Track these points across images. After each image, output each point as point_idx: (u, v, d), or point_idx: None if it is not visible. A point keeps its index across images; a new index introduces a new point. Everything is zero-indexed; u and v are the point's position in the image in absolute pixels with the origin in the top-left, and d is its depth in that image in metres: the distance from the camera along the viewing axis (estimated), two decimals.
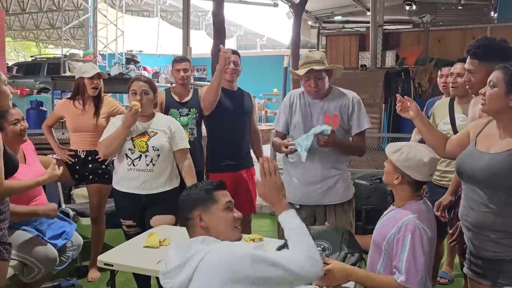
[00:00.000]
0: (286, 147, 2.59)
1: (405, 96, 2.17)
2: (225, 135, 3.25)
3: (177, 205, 2.82)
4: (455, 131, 2.80)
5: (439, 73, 3.43)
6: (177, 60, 3.51)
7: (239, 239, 1.66)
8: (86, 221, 3.77)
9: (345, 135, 2.73)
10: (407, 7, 11.17)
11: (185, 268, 1.48)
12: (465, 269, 1.93)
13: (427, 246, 1.79)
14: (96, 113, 3.25)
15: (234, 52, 3.28)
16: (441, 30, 9.49)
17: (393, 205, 2.02)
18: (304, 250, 1.50)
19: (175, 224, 2.82)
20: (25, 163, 2.69)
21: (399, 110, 2.15)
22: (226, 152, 3.23)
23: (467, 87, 2.16)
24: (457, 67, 2.90)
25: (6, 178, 2.10)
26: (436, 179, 2.97)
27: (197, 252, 1.49)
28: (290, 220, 1.59)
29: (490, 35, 8.75)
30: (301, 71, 2.56)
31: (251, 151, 3.48)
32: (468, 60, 2.08)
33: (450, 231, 2.22)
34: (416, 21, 12.08)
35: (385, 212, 2.05)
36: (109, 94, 3.73)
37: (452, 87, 2.92)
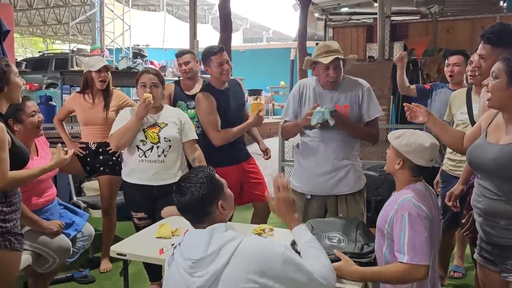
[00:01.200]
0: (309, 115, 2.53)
1: (412, 103, 2.17)
2: None
3: None
4: (471, 120, 2.79)
5: (446, 62, 3.43)
6: (177, 54, 3.53)
7: None
8: (97, 213, 3.80)
9: None
10: None
11: (220, 255, 1.50)
12: (475, 255, 1.95)
13: (426, 222, 1.79)
14: (106, 106, 3.28)
15: (222, 49, 3.08)
16: (449, 21, 9.41)
17: (394, 191, 2.04)
18: (327, 262, 1.66)
19: None
20: (38, 156, 2.72)
21: (409, 117, 2.15)
22: (229, 148, 3.11)
23: (476, 73, 2.15)
24: (476, 56, 2.89)
25: (16, 169, 2.12)
26: (451, 169, 2.97)
27: (230, 239, 1.53)
28: (304, 233, 1.75)
29: None
30: (326, 60, 2.53)
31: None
32: (481, 45, 2.08)
33: (463, 221, 2.22)
34: (424, 11, 11.94)
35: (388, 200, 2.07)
36: (118, 88, 3.75)
37: (470, 76, 2.87)
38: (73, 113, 3.54)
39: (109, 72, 3.36)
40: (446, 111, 3.16)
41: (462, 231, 2.24)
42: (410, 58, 8.74)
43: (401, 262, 1.78)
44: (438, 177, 3.20)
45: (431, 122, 2.11)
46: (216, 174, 1.67)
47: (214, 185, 1.63)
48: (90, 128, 3.35)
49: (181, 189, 1.62)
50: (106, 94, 3.32)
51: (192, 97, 3.38)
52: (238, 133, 3.08)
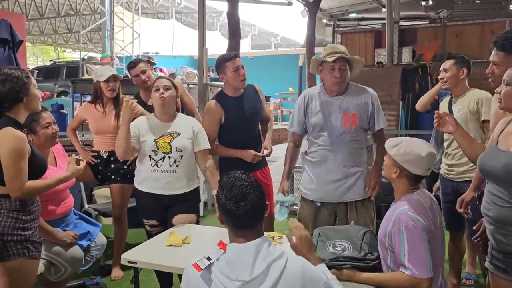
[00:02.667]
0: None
1: (443, 112, 2.18)
2: (237, 142, 3.11)
3: (198, 203, 2.91)
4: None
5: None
6: (130, 65, 3.55)
7: None
8: (108, 220, 3.83)
9: (363, 133, 2.73)
10: (423, 3, 11.00)
11: (269, 276, 1.45)
12: (486, 263, 1.93)
13: (424, 234, 1.81)
14: (117, 115, 3.32)
15: (235, 55, 3.07)
16: (458, 25, 9.33)
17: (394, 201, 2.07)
18: None
19: (197, 223, 2.87)
20: (56, 166, 2.77)
21: (437, 125, 2.15)
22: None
23: (490, 79, 2.15)
24: (446, 64, 3.07)
25: (34, 179, 2.17)
26: (445, 172, 3.09)
27: (276, 258, 1.48)
28: (325, 271, 1.71)
29: (508, 29, 8.59)
30: (330, 58, 2.55)
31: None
32: (494, 52, 2.08)
33: (474, 227, 2.21)
34: (432, 16, 11.90)
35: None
36: (128, 96, 3.79)
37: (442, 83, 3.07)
38: (85, 121, 3.59)
39: (118, 81, 3.39)
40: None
41: (473, 237, 2.22)
42: (419, 63, 8.70)
43: (404, 272, 1.81)
44: (438, 182, 3.26)
45: (458, 133, 2.11)
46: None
47: (261, 190, 1.55)
48: (102, 137, 3.39)
49: (242, 191, 1.48)
50: (117, 103, 3.36)
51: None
52: (228, 155, 3.07)
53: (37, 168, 2.19)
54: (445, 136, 3.08)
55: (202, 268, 1.50)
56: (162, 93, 2.77)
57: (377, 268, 1.99)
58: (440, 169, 3.19)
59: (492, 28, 8.72)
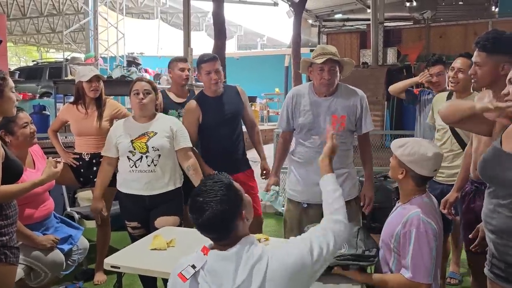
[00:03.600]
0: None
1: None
2: (217, 144, 3.09)
3: (181, 205, 2.87)
4: (451, 126, 2.79)
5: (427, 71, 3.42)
6: (181, 59, 3.48)
7: None
8: (91, 224, 3.76)
9: (350, 135, 2.72)
10: (408, 4, 11.14)
11: (254, 280, 1.41)
12: (486, 271, 1.83)
13: (433, 240, 1.79)
14: (99, 116, 3.25)
15: (214, 58, 3.05)
16: (442, 26, 9.45)
17: (398, 202, 2.04)
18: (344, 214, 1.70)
19: (180, 225, 2.83)
20: (34, 168, 2.70)
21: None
22: (221, 158, 3.08)
23: (472, 80, 2.14)
24: (458, 62, 2.87)
25: (10, 183, 2.10)
26: None
27: (257, 260, 1.43)
28: (332, 181, 1.82)
29: (491, 29, 8.70)
30: (319, 60, 2.52)
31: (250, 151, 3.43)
32: (476, 52, 2.06)
33: (470, 236, 2.13)
34: (417, 17, 12.03)
35: (392, 211, 2.06)
36: (111, 97, 3.73)
37: (452, 83, 2.89)
38: (67, 123, 3.51)
39: (101, 82, 3.33)
40: (429, 113, 3.18)
41: (471, 247, 2.13)
42: (404, 64, 8.78)
43: (403, 275, 1.79)
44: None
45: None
46: (232, 180, 1.51)
47: (235, 195, 1.47)
48: (83, 138, 3.32)
49: (199, 205, 1.43)
50: (99, 104, 3.29)
51: (182, 104, 3.32)
52: (201, 164, 2.99)
53: (12, 171, 2.12)
54: (437, 136, 3.01)
55: (188, 277, 1.45)
56: (142, 98, 2.76)
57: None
58: None
59: (475, 29, 8.84)
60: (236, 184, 1.52)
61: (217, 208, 1.41)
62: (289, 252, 1.47)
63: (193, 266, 1.46)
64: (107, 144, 2.89)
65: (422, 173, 1.89)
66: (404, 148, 1.91)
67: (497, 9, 10.78)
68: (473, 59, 2.08)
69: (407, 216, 1.84)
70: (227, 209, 1.43)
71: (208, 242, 1.53)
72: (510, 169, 1.62)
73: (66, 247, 2.75)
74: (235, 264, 1.42)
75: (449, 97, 3.00)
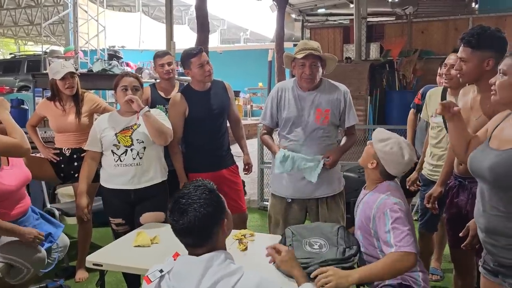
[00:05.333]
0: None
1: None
2: (202, 139, 3.04)
3: (166, 201, 2.83)
4: (446, 124, 2.78)
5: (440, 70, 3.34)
6: (159, 55, 3.44)
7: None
8: (72, 220, 3.69)
9: (334, 129, 2.72)
10: None
11: None
12: (480, 268, 1.81)
13: (405, 215, 1.88)
14: (77, 112, 3.17)
15: (201, 50, 2.99)
16: (424, 22, 9.55)
17: (364, 188, 2.14)
18: None
19: (165, 221, 2.79)
20: (8, 165, 2.61)
21: (440, 112, 1.93)
22: (205, 154, 3.04)
23: (458, 75, 2.15)
24: (451, 58, 2.83)
25: None
26: (429, 173, 2.96)
27: (227, 274, 1.37)
28: None
29: (472, 25, 8.82)
30: (299, 55, 2.53)
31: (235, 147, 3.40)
32: (461, 48, 2.07)
33: (461, 234, 2.09)
34: (399, 13, 12.12)
35: (358, 198, 2.15)
36: (92, 91, 3.65)
37: (446, 79, 2.86)
38: (45, 118, 3.42)
39: (76, 77, 3.23)
40: (422, 110, 3.15)
41: (462, 245, 2.09)
42: (386, 59, 8.84)
43: (392, 252, 1.82)
44: (413, 175, 3.17)
45: (457, 118, 1.90)
46: (216, 189, 1.49)
47: (218, 201, 1.45)
48: (63, 135, 3.24)
49: (181, 207, 1.39)
50: (76, 100, 3.21)
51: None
52: (179, 168, 2.98)
53: None
54: (431, 133, 2.96)
55: (153, 280, 1.43)
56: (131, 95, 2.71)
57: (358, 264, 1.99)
58: (422, 169, 3.05)
59: (456, 25, 8.96)
60: (219, 193, 1.50)
61: (200, 211, 1.38)
62: (267, 282, 1.41)
63: (161, 271, 1.44)
64: (90, 138, 2.83)
65: (391, 172, 1.99)
66: (385, 144, 1.98)
67: (477, 6, 10.94)
68: (459, 54, 2.10)
69: (378, 200, 1.92)
70: (209, 213, 1.40)
71: None
72: (488, 159, 1.66)
73: (46, 245, 2.68)
74: (202, 271, 1.37)
75: (443, 92, 2.95)
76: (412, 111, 3.67)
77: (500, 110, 1.81)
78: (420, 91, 3.56)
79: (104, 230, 3.67)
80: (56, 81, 3.17)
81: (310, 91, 2.64)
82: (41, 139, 3.37)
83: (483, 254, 1.79)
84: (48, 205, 3.87)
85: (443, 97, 2.93)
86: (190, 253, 1.45)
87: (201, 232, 1.40)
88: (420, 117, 3.43)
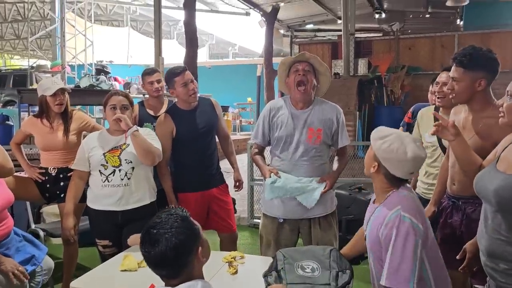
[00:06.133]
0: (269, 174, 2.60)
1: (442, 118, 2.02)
2: (190, 158, 2.98)
3: None
4: (440, 143, 2.76)
5: (431, 88, 3.33)
6: (148, 72, 3.41)
7: None
8: (58, 240, 3.58)
9: (326, 149, 2.69)
10: (377, 16, 11.38)
11: None
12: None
13: (414, 240, 1.62)
14: (66, 130, 3.10)
15: (184, 69, 2.97)
16: (411, 38, 9.70)
17: (373, 202, 1.89)
18: None
19: None
20: None
21: (434, 132, 1.96)
22: (194, 173, 2.99)
23: (450, 96, 2.14)
24: (443, 76, 2.81)
25: None
26: (424, 192, 2.90)
27: None
28: None
29: (458, 42, 9.00)
30: (295, 57, 2.60)
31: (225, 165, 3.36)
32: (453, 68, 2.07)
33: (458, 257, 2.03)
34: (385, 29, 12.31)
35: (367, 214, 1.91)
36: (78, 107, 3.59)
37: (439, 97, 2.82)
38: (30, 136, 3.34)
39: (66, 94, 3.17)
40: (414, 129, 3.13)
41: (460, 268, 2.03)
42: (375, 74, 8.92)
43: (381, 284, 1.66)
44: None
45: (457, 141, 1.92)
46: (190, 216, 1.44)
47: (191, 229, 1.40)
48: (50, 153, 3.16)
49: (152, 237, 1.35)
50: (65, 117, 3.14)
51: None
52: (168, 188, 2.94)
53: None
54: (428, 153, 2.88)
55: None
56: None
57: None
58: (416, 188, 2.97)
59: (442, 42, 9.11)
60: (193, 220, 1.45)
61: (171, 241, 1.34)
62: None
63: None
64: (78, 157, 2.76)
65: (395, 173, 1.73)
66: (383, 141, 1.73)
67: (462, 22, 11.15)
68: (451, 74, 2.09)
69: (388, 216, 1.68)
70: (182, 242, 1.35)
71: None
72: (494, 182, 1.61)
73: (29, 268, 2.58)
74: None
75: (435, 111, 2.93)
76: (401, 129, 3.65)
77: (500, 132, 1.80)
78: (411, 109, 3.54)
79: (91, 250, 3.56)
80: (46, 97, 3.10)
81: (302, 109, 2.62)
82: (25, 157, 3.28)
83: (488, 279, 1.74)
84: (33, 226, 3.75)
85: (436, 118, 2.90)
86: (166, 285, 1.40)
87: (175, 262, 1.36)
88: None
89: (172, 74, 2.93)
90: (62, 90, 3.10)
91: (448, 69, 2.82)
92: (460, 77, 2.04)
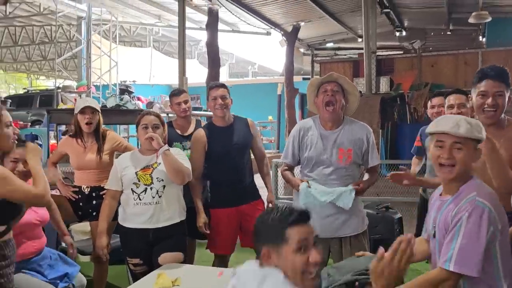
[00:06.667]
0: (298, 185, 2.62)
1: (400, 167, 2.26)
2: (225, 174, 3.06)
3: (185, 241, 2.79)
4: None
5: (429, 103, 3.42)
6: (175, 93, 3.48)
7: None
8: (86, 258, 3.62)
9: (356, 168, 2.70)
10: (397, 33, 11.37)
11: None
12: None
13: (487, 226, 1.52)
14: (99, 149, 3.17)
15: (222, 85, 3.13)
16: (433, 56, 9.65)
17: (440, 195, 1.79)
18: None
19: (184, 262, 2.74)
20: None
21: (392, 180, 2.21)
22: (228, 189, 3.07)
23: (492, 112, 2.09)
24: (455, 98, 2.86)
25: (8, 222, 2.00)
26: None
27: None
28: None
29: (481, 59, 8.92)
30: (323, 78, 2.63)
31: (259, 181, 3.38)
32: (493, 83, 2.05)
33: None
34: (406, 47, 12.27)
35: (432, 209, 1.80)
36: (110, 127, 3.67)
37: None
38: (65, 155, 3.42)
39: (98, 114, 3.23)
40: (428, 154, 3.09)
41: None
42: (397, 92, 8.87)
43: (445, 268, 1.54)
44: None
45: (495, 155, 1.89)
46: (291, 226, 1.40)
47: (271, 230, 1.43)
48: (83, 172, 3.24)
49: None
50: (97, 137, 3.21)
51: (188, 137, 3.32)
52: (198, 202, 3.02)
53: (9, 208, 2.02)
54: None
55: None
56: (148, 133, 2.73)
57: None
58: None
59: (465, 59, 9.03)
60: (291, 230, 1.39)
61: (257, 221, 1.49)
62: None
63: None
64: (111, 177, 2.82)
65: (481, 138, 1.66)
66: (467, 123, 1.64)
67: (484, 39, 11.05)
68: (493, 89, 2.06)
69: (462, 201, 1.60)
70: (258, 229, 1.47)
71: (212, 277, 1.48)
72: None
73: (61, 285, 2.64)
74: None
75: None
76: (414, 157, 3.65)
77: None
78: (419, 132, 3.59)
79: (119, 268, 3.59)
80: (77, 116, 3.19)
81: (332, 129, 2.64)
82: (61, 177, 3.36)
83: None
84: (63, 243, 3.80)
85: None
86: None
87: None
88: (425, 158, 3.39)
89: (208, 88, 3.17)
90: (91, 109, 3.17)
91: (457, 92, 2.84)
92: (504, 91, 2.06)
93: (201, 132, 3.08)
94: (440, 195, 1.78)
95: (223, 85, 3.14)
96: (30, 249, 2.57)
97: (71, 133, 3.36)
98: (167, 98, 10.67)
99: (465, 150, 1.64)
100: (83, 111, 3.15)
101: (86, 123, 3.16)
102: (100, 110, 3.26)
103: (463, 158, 1.64)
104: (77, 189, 3.26)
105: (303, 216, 1.40)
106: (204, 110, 8.25)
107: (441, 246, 1.64)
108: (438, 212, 1.74)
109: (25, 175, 2.48)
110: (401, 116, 8.50)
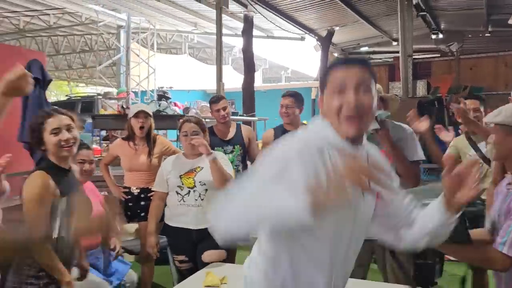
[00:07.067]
0: None
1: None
2: None
3: None
4: (485, 159, 2.80)
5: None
6: (214, 100, 3.61)
7: None
8: (131, 258, 3.78)
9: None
10: (434, 36, 11.17)
11: None
12: None
13: None
14: (149, 152, 3.34)
15: (222, 98, 3.51)
16: (472, 58, 9.45)
17: (508, 184, 1.79)
18: None
19: (226, 260, 2.83)
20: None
21: None
22: None
23: None
24: (467, 103, 2.96)
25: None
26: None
27: None
28: None
29: None
30: None
31: None
32: None
33: None
34: (443, 49, 12.03)
35: (499, 200, 1.78)
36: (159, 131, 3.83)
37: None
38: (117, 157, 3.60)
39: (149, 118, 3.41)
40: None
41: None
42: (435, 96, 8.72)
43: (499, 250, 1.54)
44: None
45: None
46: None
47: None
48: (134, 173, 3.41)
49: None
50: (149, 141, 3.38)
51: (228, 142, 3.44)
52: None
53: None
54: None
55: None
56: (191, 139, 2.86)
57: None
58: None
59: (506, 61, 8.80)
60: None
61: None
62: None
63: None
64: (158, 179, 2.97)
65: None
66: (499, 113, 1.71)
67: None
68: None
69: None
70: None
71: None
72: None
73: (114, 280, 2.79)
74: None
75: (469, 140, 2.98)
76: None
77: None
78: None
79: (162, 269, 3.73)
80: (131, 120, 3.36)
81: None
82: (112, 178, 3.55)
83: None
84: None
85: (471, 141, 2.99)
86: None
87: None
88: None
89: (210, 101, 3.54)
90: (144, 114, 3.35)
91: (472, 97, 2.84)
92: None
93: (270, 132, 3.47)
94: (509, 183, 1.77)
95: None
96: (92, 240, 2.72)
97: (123, 137, 3.55)
98: (203, 104, 10.88)
99: None
100: (137, 115, 3.33)
101: (140, 127, 3.33)
102: (152, 115, 3.43)
103: None
104: (127, 190, 3.43)
105: (347, 61, 1.34)
106: (240, 115, 8.38)
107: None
108: (504, 199, 1.74)
109: (88, 174, 2.68)
110: (439, 120, 8.34)
